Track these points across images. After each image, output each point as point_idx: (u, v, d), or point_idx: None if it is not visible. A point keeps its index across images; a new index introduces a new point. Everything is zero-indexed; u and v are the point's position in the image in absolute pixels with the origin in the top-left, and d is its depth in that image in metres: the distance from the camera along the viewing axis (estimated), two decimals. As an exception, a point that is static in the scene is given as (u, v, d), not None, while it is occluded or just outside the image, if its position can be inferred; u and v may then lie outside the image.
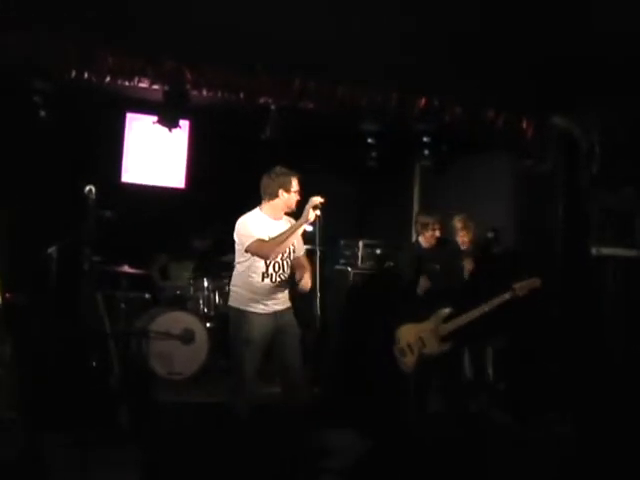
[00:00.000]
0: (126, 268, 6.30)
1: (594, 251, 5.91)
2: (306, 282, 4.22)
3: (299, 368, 4.40)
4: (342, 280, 6.97)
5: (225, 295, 6.05)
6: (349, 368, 6.45)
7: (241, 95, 5.44)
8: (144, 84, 5.24)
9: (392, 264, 6.74)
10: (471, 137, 6.37)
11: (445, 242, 5.75)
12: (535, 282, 5.12)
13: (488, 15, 4.38)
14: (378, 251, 7.10)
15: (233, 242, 4.39)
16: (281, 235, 4.24)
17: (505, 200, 6.90)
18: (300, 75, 5.41)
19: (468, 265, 5.56)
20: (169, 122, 5.59)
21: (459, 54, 4.97)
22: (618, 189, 6.00)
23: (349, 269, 6.98)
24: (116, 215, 5.18)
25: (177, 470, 4.20)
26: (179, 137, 7.15)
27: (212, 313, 6.82)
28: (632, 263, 5.83)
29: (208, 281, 6.87)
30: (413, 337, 5.32)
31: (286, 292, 4.45)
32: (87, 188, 4.73)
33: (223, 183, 7.23)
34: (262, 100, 5.55)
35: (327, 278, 5.49)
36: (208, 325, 6.55)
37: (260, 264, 4.29)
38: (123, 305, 6.39)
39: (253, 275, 4.31)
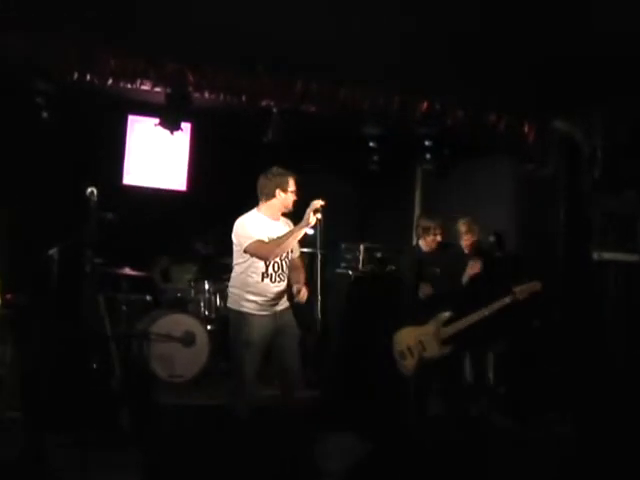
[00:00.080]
0: (127, 270, 6.29)
1: (595, 255, 5.90)
2: (303, 295, 4.26)
3: (298, 370, 4.40)
4: (343, 283, 6.95)
5: (226, 297, 6.04)
6: (350, 371, 6.43)
7: (243, 97, 5.46)
8: (146, 86, 5.26)
9: (394, 268, 6.75)
10: (473, 141, 6.38)
11: (447, 246, 5.75)
12: (535, 286, 5.11)
13: (489, 17, 4.38)
14: (379, 255, 7.09)
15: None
16: (281, 237, 4.25)
17: (507, 204, 6.90)
18: (301, 76, 5.42)
19: (474, 268, 5.52)
20: (171, 124, 5.60)
21: (460, 56, 4.97)
22: (620, 193, 5.99)
23: (350, 272, 6.98)
24: (118, 217, 5.17)
25: (178, 472, 4.19)
26: (181, 139, 7.17)
27: (213, 316, 6.82)
28: (633, 268, 5.81)
29: (209, 283, 6.87)
30: (413, 340, 5.32)
31: (285, 292, 4.45)
32: (89, 190, 4.73)
33: (225, 186, 7.22)
34: (264, 103, 5.57)
35: (328, 281, 5.48)
36: (209, 328, 6.55)
37: (260, 264, 4.29)
38: (124, 307, 6.36)
39: (253, 275, 4.30)
